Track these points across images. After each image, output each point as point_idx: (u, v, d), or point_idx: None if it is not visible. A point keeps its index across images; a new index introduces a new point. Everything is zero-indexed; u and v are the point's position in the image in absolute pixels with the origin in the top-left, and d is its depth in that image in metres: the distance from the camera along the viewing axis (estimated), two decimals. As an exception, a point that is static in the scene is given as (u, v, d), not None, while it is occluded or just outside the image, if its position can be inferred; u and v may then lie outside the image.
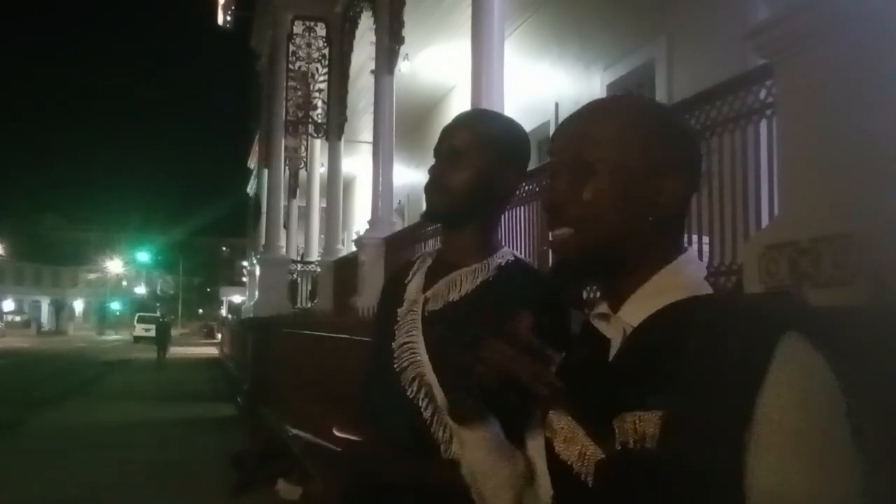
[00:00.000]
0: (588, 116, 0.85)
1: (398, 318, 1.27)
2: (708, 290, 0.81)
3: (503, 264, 1.26)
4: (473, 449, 0.93)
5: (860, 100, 1.76)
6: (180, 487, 5.62)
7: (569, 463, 0.80)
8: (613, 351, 0.80)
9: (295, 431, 1.26)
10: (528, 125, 1.41)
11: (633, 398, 0.72)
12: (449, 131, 1.31)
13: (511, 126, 1.33)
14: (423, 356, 1.20)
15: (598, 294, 0.87)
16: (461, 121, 1.33)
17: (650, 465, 0.69)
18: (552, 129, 6.74)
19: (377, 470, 1.20)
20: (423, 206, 1.35)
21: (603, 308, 0.84)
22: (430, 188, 1.30)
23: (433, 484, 1.10)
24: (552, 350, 0.82)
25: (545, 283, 1.29)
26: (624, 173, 0.79)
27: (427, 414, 1.17)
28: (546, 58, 7.92)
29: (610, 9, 6.72)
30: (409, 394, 1.19)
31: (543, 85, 7.88)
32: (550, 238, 0.84)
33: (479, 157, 1.26)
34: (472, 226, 1.28)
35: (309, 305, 10.87)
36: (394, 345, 1.24)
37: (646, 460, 0.69)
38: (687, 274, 0.81)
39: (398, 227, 8.10)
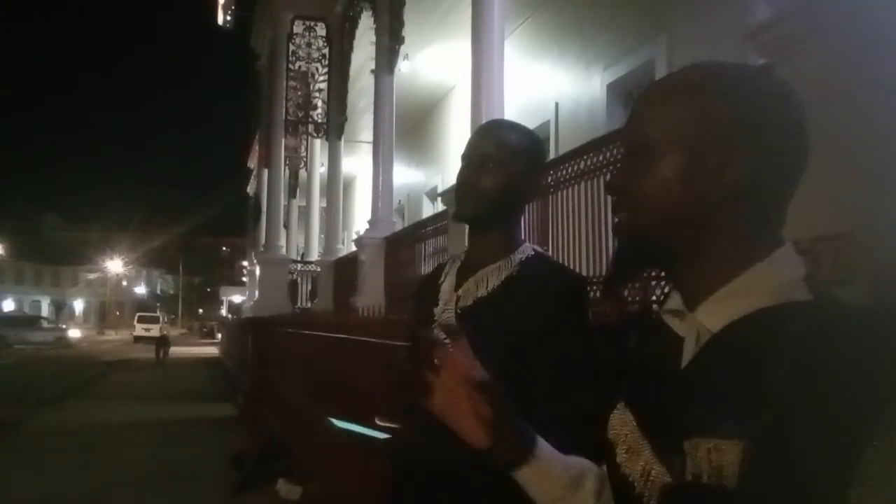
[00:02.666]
0: (649, 94, 0.78)
1: (435, 317, 1.35)
2: (806, 294, 0.67)
3: (524, 259, 1.35)
4: (537, 484, 0.82)
5: (860, 100, 1.76)
6: (180, 487, 5.63)
7: (630, 479, 0.72)
8: (687, 354, 0.71)
9: (341, 424, 1.29)
10: (528, 125, 1.47)
11: (708, 419, 0.63)
12: (480, 139, 1.41)
13: (532, 134, 1.44)
14: None
15: (670, 287, 0.80)
16: (491, 129, 1.45)
17: (724, 502, 0.60)
18: (552, 129, 6.76)
19: (427, 450, 1.25)
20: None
21: (676, 303, 0.75)
22: (463, 192, 1.39)
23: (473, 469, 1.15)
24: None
25: (564, 274, 1.40)
26: (678, 152, 0.72)
27: None
28: (546, 58, 7.91)
29: (610, 9, 6.73)
30: None
31: (543, 85, 7.87)
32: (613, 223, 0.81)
33: (511, 164, 1.36)
34: (499, 227, 1.38)
35: (309, 305, 10.86)
36: None
37: (720, 496, 0.60)
38: (780, 274, 0.69)
39: (398, 226, 8.10)
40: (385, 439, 1.20)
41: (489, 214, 1.36)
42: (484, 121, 1.89)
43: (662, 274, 0.94)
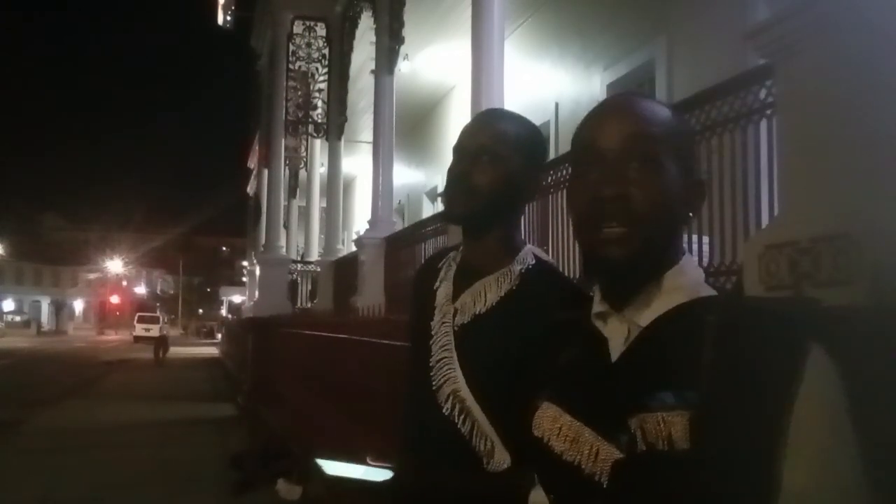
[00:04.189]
0: (640, 110, 0.82)
1: (432, 332, 1.25)
2: (710, 291, 0.81)
3: (524, 271, 1.23)
4: None
5: (860, 100, 1.76)
6: (180, 487, 5.62)
7: (575, 463, 0.78)
8: (615, 350, 0.80)
9: (331, 469, 1.24)
10: None
11: (653, 398, 0.72)
12: (474, 130, 1.28)
13: (532, 126, 1.31)
14: (458, 372, 1.19)
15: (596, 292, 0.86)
16: (486, 120, 1.32)
17: (680, 465, 0.69)
18: (552, 129, 6.75)
19: (423, 489, 1.21)
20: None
21: (603, 307, 0.83)
22: (455, 187, 1.26)
23: (480, 496, 1.11)
24: None
25: (568, 287, 1.27)
26: (679, 172, 0.80)
27: (466, 429, 1.17)
28: (546, 58, 7.91)
29: (610, 9, 6.73)
30: (444, 411, 1.19)
31: (543, 85, 7.87)
32: (600, 235, 0.79)
33: (510, 158, 1.23)
34: (496, 228, 1.26)
35: (309, 305, 10.86)
36: (431, 361, 1.23)
37: (675, 461, 0.69)
38: (691, 275, 0.81)
39: (398, 227, 8.09)
40: (383, 481, 1.14)
41: (484, 214, 1.23)
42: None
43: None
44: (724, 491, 0.66)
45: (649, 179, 0.78)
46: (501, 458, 1.13)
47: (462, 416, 1.17)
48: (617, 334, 0.81)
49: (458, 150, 1.28)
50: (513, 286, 1.22)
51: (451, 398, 1.19)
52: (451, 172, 1.27)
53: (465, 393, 1.18)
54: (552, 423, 0.83)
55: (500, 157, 1.23)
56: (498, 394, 1.15)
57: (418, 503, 1.22)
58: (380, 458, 1.21)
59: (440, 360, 1.22)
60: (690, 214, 0.84)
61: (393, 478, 1.14)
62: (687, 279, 0.80)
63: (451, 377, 1.20)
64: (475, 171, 1.23)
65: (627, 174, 0.78)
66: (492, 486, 1.08)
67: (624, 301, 0.81)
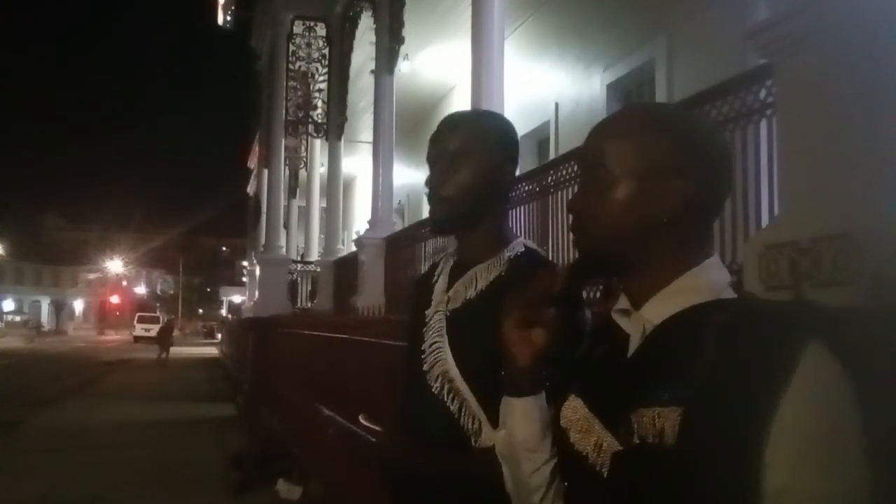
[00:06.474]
0: (599, 128, 0.89)
1: (427, 320, 1.32)
2: (731, 294, 0.83)
3: (513, 257, 1.29)
4: (523, 420, 0.92)
5: (860, 100, 1.76)
6: (180, 487, 5.63)
7: (584, 454, 0.82)
8: (632, 347, 0.83)
9: (329, 413, 1.30)
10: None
11: (652, 393, 0.74)
12: (438, 136, 1.34)
13: (498, 120, 1.37)
14: (447, 354, 1.25)
15: (621, 290, 0.90)
16: (449, 123, 1.36)
17: (667, 460, 0.71)
18: (552, 129, 6.75)
19: (415, 467, 1.26)
20: (424, 206, 1.37)
21: (625, 304, 0.87)
22: (432, 198, 1.34)
23: (465, 472, 1.16)
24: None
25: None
26: (628, 178, 0.83)
27: (454, 407, 1.22)
28: (546, 58, 7.92)
29: (610, 9, 6.73)
30: (434, 390, 1.25)
31: (543, 85, 7.87)
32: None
33: (476, 155, 1.28)
34: (482, 224, 1.31)
35: (309, 305, 10.86)
36: (424, 346, 1.30)
37: (663, 455, 0.71)
38: (710, 277, 0.82)
39: (398, 227, 8.10)
40: (375, 443, 1.19)
41: (466, 218, 1.30)
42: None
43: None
44: (707, 488, 0.67)
45: (594, 191, 0.85)
46: (489, 437, 1.18)
47: (451, 396, 1.23)
48: (635, 331, 0.84)
49: (428, 158, 1.36)
50: (501, 272, 1.27)
51: (440, 378, 1.25)
52: (426, 184, 1.36)
53: (455, 373, 1.23)
54: (573, 414, 0.87)
55: (466, 156, 1.29)
56: (486, 375, 1.19)
57: (410, 481, 1.28)
58: (372, 419, 1.26)
59: (432, 343, 1.29)
60: (671, 214, 0.81)
61: (386, 455, 1.18)
62: (705, 281, 0.82)
63: (442, 359, 1.26)
64: (445, 177, 1.30)
65: (579, 190, 0.88)
66: (479, 463, 1.12)
67: (640, 299, 0.84)
